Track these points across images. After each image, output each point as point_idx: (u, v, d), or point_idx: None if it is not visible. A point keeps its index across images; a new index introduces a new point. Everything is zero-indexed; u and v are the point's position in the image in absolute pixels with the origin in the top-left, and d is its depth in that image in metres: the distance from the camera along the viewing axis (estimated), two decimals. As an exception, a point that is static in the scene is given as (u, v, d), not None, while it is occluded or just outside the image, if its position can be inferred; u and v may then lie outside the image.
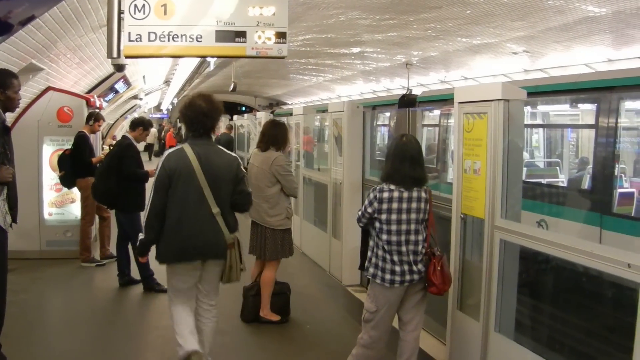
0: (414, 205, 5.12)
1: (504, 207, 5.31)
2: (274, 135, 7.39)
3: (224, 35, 7.71)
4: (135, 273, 8.64)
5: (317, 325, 7.32)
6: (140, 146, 9.41)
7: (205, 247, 5.29)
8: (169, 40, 7.40)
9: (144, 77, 22.92)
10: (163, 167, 5.22)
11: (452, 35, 14.77)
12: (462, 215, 5.81)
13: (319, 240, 10.36)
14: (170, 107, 47.36)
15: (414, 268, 5.12)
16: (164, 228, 5.22)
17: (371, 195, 5.18)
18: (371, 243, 5.27)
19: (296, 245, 9.09)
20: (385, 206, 5.08)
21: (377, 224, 5.14)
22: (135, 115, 27.97)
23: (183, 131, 27.97)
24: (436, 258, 5.18)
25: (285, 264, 8.36)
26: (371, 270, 5.21)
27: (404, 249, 5.10)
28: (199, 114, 5.39)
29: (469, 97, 5.77)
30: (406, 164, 5.12)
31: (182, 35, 7.42)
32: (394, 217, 5.08)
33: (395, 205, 5.08)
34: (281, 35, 8.73)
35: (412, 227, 5.12)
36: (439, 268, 5.15)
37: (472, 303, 5.69)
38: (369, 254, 5.28)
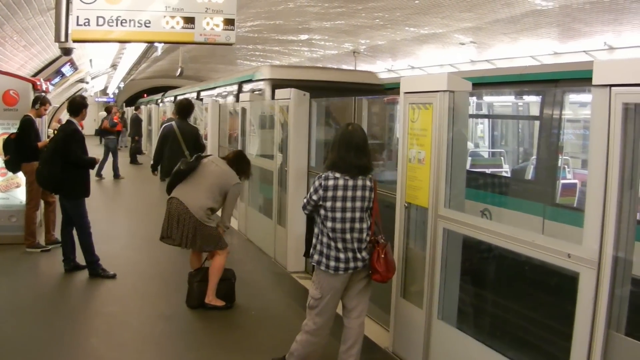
0: (358, 193, 5.13)
1: (448, 197, 5.36)
2: (245, 168, 7.57)
3: (172, 21, 7.66)
4: (80, 259, 8.53)
5: (261, 311, 7.31)
6: (90, 130, 9.35)
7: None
8: (117, 25, 7.32)
9: (90, 60, 22.63)
10: (162, 131, 10.16)
11: (400, 24, 14.84)
12: (406, 204, 5.85)
13: (264, 227, 10.34)
14: (116, 91, 46.77)
15: (358, 255, 5.14)
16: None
17: (316, 183, 5.18)
18: (316, 230, 5.28)
19: (242, 232, 9.10)
20: (330, 194, 5.08)
21: (322, 212, 5.14)
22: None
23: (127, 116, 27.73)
24: (380, 246, 5.20)
25: (231, 251, 8.34)
26: (316, 257, 5.21)
27: (348, 236, 5.11)
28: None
29: (414, 87, 5.79)
30: (351, 153, 5.12)
31: (130, 20, 7.33)
32: (338, 204, 5.08)
33: (340, 193, 5.08)
34: (229, 22, 8.68)
35: (357, 215, 5.13)
36: (382, 256, 5.17)
37: (416, 291, 5.73)
38: (314, 241, 5.28)
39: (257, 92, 13.66)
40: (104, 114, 36.50)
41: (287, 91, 9.26)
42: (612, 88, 3.56)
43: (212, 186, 7.19)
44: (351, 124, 5.45)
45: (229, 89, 17.37)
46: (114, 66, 29.41)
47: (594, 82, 3.66)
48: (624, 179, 3.57)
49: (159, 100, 29.87)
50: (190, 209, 7.04)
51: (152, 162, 11.08)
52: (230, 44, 9.08)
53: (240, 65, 27.88)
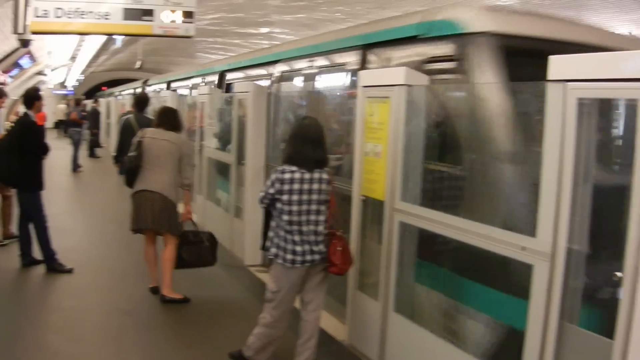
0: (315, 186, 5.12)
1: (404, 190, 5.34)
2: (176, 120, 7.57)
3: (131, 13, 7.55)
4: (38, 253, 8.39)
5: (218, 305, 7.27)
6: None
7: None
8: (76, 17, 7.21)
9: (49, 53, 22.35)
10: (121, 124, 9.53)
11: (361, 18, 14.77)
12: (362, 197, 5.83)
13: (221, 220, 10.26)
14: (76, 83, 46.23)
15: (315, 248, 5.14)
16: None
17: (273, 177, 5.16)
18: (273, 223, 5.25)
19: (199, 225, 9.02)
20: (286, 187, 5.07)
21: (278, 205, 5.12)
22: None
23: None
24: (337, 238, 5.22)
25: None
26: (273, 250, 5.20)
27: (304, 229, 5.11)
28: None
29: (372, 81, 5.77)
30: (308, 146, 5.13)
31: (89, 12, 7.23)
32: (295, 197, 5.07)
33: (296, 186, 5.07)
34: (189, 15, 8.60)
35: (313, 207, 5.13)
36: (339, 248, 5.20)
37: (372, 283, 5.72)
38: (271, 234, 5.26)
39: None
40: (63, 106, 36.19)
41: (247, 85, 9.18)
42: (567, 83, 3.56)
43: (169, 161, 7.21)
44: (307, 117, 5.49)
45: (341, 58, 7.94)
46: (73, 58, 29.05)
47: (549, 77, 3.67)
48: (577, 173, 3.58)
49: (136, 90, 26.81)
50: (163, 193, 7.12)
51: (114, 154, 11.27)
52: (190, 37, 8.98)
53: (200, 59, 27.68)
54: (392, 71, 5.58)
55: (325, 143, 5.32)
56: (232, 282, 8.29)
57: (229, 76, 12.95)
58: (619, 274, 3.31)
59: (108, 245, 9.94)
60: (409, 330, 5.30)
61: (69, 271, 8.17)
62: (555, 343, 3.74)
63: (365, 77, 5.90)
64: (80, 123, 20.54)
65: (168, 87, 19.22)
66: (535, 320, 3.86)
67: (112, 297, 7.37)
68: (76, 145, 19.96)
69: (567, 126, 3.57)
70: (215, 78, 13.77)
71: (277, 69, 9.58)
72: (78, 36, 18.05)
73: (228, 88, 12.52)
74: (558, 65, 3.67)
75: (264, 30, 18.45)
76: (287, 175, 5.09)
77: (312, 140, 5.16)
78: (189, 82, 16.66)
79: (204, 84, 14.26)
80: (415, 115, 5.34)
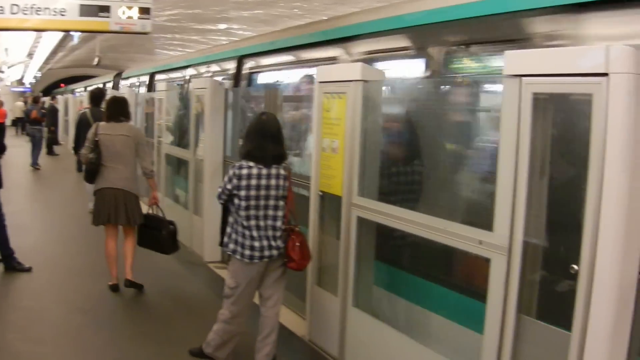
0: (272, 182, 5.09)
1: (361, 185, 5.31)
2: (125, 109, 7.63)
3: (87, 10, 7.43)
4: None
5: (178, 302, 7.19)
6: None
7: None
8: (32, 13, 7.07)
9: (6, 49, 22.04)
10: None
11: (319, 14, 14.76)
12: (320, 193, 5.79)
13: (180, 216, 10.13)
14: (33, 80, 45.64)
15: (273, 244, 5.11)
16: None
17: (230, 172, 5.12)
18: (231, 219, 5.22)
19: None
20: (244, 183, 5.03)
21: (236, 201, 5.08)
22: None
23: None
24: (295, 234, 5.20)
25: None
26: (231, 246, 5.16)
27: (262, 223, 5.09)
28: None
29: (328, 77, 5.71)
30: (266, 142, 5.10)
31: (45, 9, 7.10)
32: (252, 193, 5.03)
33: (254, 181, 5.04)
34: (145, 11, 8.51)
35: (271, 203, 5.10)
36: (297, 244, 5.18)
37: (331, 279, 5.69)
38: (228, 230, 5.22)
39: None
40: (21, 104, 35.69)
41: (204, 80, 9.10)
42: (523, 78, 3.55)
43: (128, 155, 7.30)
44: (265, 113, 5.44)
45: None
46: (30, 55, 28.68)
47: (505, 72, 3.66)
48: (533, 167, 3.57)
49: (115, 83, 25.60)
50: (126, 189, 7.24)
51: (73, 145, 12.10)
52: (146, 33, 8.87)
53: (159, 55, 27.46)
54: (348, 67, 5.55)
55: (282, 138, 5.29)
56: (191, 279, 8.22)
57: (157, 77, 15.71)
58: (575, 266, 3.31)
59: (66, 243, 9.78)
60: (368, 324, 5.27)
61: (28, 270, 8.00)
62: (513, 336, 3.73)
63: (322, 72, 5.84)
64: (40, 121, 20.33)
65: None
66: (493, 313, 3.84)
67: (71, 296, 7.24)
68: (37, 143, 19.69)
69: (523, 121, 3.56)
70: (147, 78, 16.92)
71: (188, 72, 12.32)
72: (35, 33, 17.82)
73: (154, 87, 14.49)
74: (513, 60, 3.65)
75: (222, 26, 18.35)
76: (244, 171, 5.05)
77: (270, 136, 5.13)
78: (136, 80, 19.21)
79: (138, 83, 17.19)
80: (372, 111, 5.31)
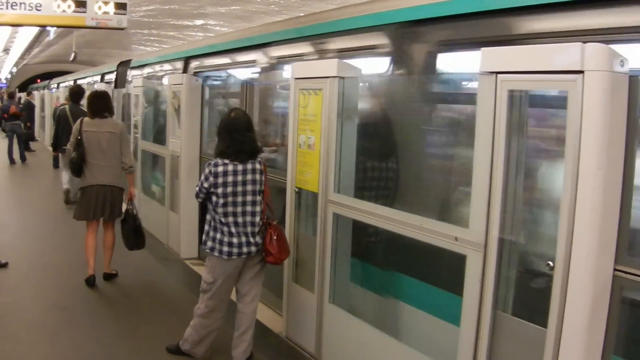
0: (249, 177, 5.08)
1: (337, 182, 5.28)
2: (108, 104, 7.70)
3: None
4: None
5: (155, 299, 7.12)
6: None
7: None
8: (7, 7, 7.00)
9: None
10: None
11: (295, 10, 14.69)
12: (296, 189, 5.76)
13: (157, 213, 10.07)
14: (9, 76, 45.20)
15: (252, 240, 5.10)
16: None
17: (206, 170, 5.10)
18: (208, 217, 5.19)
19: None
20: (220, 180, 5.01)
21: (214, 198, 5.07)
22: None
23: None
24: (272, 228, 5.19)
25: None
26: (209, 243, 5.14)
27: (240, 220, 5.07)
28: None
29: (305, 73, 5.67)
30: (238, 138, 5.09)
31: (20, 4, 7.02)
32: (229, 190, 5.02)
33: (230, 178, 5.02)
34: (121, 7, 8.43)
35: (249, 198, 5.09)
36: (275, 237, 5.17)
37: (307, 275, 5.66)
38: (206, 227, 5.20)
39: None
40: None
41: (180, 76, 9.03)
42: (498, 75, 3.53)
43: (113, 151, 7.35)
44: (234, 109, 5.44)
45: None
46: (6, 50, 28.40)
47: (481, 69, 3.64)
48: (509, 164, 3.56)
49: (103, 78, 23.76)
50: (113, 185, 7.38)
51: (52, 142, 12.29)
52: (122, 29, 8.79)
53: (136, 51, 27.29)
54: (324, 63, 5.51)
55: (254, 133, 5.29)
56: (168, 275, 8.17)
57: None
58: (551, 263, 3.30)
59: (43, 239, 9.67)
60: (345, 320, 5.25)
61: (4, 266, 7.91)
62: (490, 332, 3.71)
63: (298, 68, 5.80)
64: (19, 116, 20.18)
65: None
66: (470, 309, 3.83)
67: (48, 293, 7.17)
68: (18, 138, 19.65)
69: (499, 117, 3.54)
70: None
71: (145, 71, 12.64)
72: (10, 28, 17.64)
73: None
74: (489, 57, 3.62)
75: (198, 22, 18.21)
76: (220, 168, 5.04)
77: (242, 132, 5.11)
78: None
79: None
80: (348, 107, 5.28)
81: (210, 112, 9.05)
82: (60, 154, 11.98)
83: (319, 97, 5.37)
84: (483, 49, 3.67)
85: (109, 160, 7.33)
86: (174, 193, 9.24)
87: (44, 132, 24.34)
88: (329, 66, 5.30)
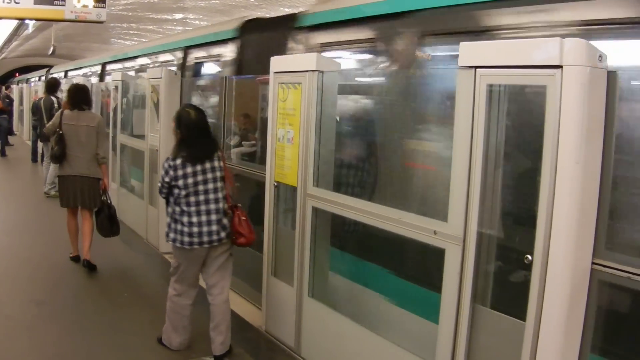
0: (207, 165, 5.17)
1: (316, 176, 5.26)
2: (87, 97, 8.06)
3: (42, -3, 7.28)
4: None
5: (134, 293, 7.04)
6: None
7: None
8: (-14, 0, 6.91)
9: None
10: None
11: (274, 4, 14.65)
12: (275, 183, 5.73)
13: (135, 207, 9.99)
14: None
15: (214, 228, 5.16)
16: None
17: (165, 165, 5.16)
18: (169, 210, 5.26)
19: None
20: (180, 172, 5.09)
21: (176, 191, 5.13)
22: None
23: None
24: (239, 209, 5.25)
25: None
26: (171, 235, 5.21)
27: (203, 208, 5.13)
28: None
29: (284, 67, 5.63)
30: (198, 141, 5.20)
31: (-1, -4, 6.93)
32: (190, 180, 5.10)
33: (189, 169, 5.10)
34: (100, 0, 8.38)
35: (210, 186, 5.16)
36: (243, 218, 5.22)
37: (286, 269, 5.64)
38: (168, 220, 5.27)
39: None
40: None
41: (159, 70, 8.96)
42: (477, 70, 3.51)
43: (90, 143, 7.66)
44: (189, 107, 5.46)
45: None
46: (-17, 44, 28.18)
47: (460, 63, 3.62)
48: (487, 158, 3.55)
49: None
50: (89, 175, 7.69)
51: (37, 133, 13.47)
52: (101, 22, 8.72)
53: (115, 45, 27.09)
54: (304, 57, 5.48)
55: (209, 131, 5.37)
56: (147, 270, 8.11)
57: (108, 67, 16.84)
58: (529, 256, 3.30)
59: (21, 233, 9.57)
60: (324, 314, 5.22)
61: None
62: (468, 325, 3.71)
63: (277, 62, 5.76)
64: (5, 110, 20.09)
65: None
66: (448, 303, 3.82)
67: (26, 288, 7.10)
68: (5, 132, 19.73)
69: (477, 112, 3.52)
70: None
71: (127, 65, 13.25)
72: (-12, 21, 17.49)
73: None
74: (468, 52, 3.61)
75: (178, 16, 18.10)
76: (178, 161, 5.12)
77: (195, 136, 5.22)
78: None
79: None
80: (327, 101, 5.26)
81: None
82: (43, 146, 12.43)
83: (298, 90, 5.33)
84: (462, 43, 3.66)
85: (86, 153, 7.62)
86: (153, 187, 9.16)
87: (23, 126, 24.15)
88: (308, 60, 5.27)
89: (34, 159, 17.21)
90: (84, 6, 7.67)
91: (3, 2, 6.81)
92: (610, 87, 3.19)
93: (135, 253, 8.45)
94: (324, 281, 5.47)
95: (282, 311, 5.67)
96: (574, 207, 3.14)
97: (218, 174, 5.21)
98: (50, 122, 8.02)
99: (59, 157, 7.62)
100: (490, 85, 3.48)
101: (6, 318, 6.17)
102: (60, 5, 7.38)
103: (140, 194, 9.95)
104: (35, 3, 7.29)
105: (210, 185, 5.14)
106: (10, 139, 22.72)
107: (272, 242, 5.82)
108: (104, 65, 17.30)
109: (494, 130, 3.53)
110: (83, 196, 7.71)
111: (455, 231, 3.75)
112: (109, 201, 7.89)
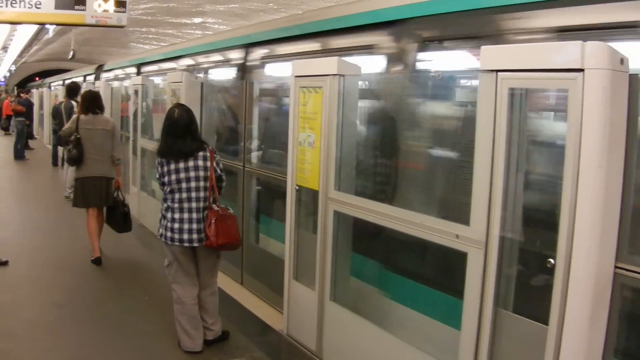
0: (190, 163, 5.27)
1: (338, 180, 5.28)
2: (100, 102, 8.44)
3: (63, 3, 7.32)
4: None
5: (154, 296, 7.06)
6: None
7: None
8: (7, 5, 6.96)
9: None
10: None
11: (294, 8, 14.65)
12: (297, 187, 5.75)
13: (156, 211, 10.02)
14: (7, 74, 45.08)
15: (194, 227, 5.30)
16: None
17: (156, 162, 5.34)
18: (162, 205, 5.44)
19: (135, 217, 8.94)
20: (165, 169, 5.25)
21: (165, 187, 5.29)
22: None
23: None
24: (213, 212, 5.28)
25: (124, 237, 8.27)
26: (160, 230, 5.41)
27: (186, 205, 5.28)
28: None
29: (305, 71, 5.65)
30: (176, 138, 5.29)
31: (20, 1, 6.99)
32: (173, 177, 5.24)
33: (172, 166, 5.23)
34: (121, 4, 8.40)
35: (192, 184, 5.29)
36: (213, 221, 5.24)
37: (308, 273, 5.66)
38: (159, 215, 5.43)
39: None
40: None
41: (179, 74, 9.01)
42: (499, 73, 3.52)
43: (106, 146, 8.11)
44: (176, 107, 5.55)
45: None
46: (4, 48, 28.32)
47: (481, 67, 3.63)
48: (509, 162, 3.56)
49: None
50: (105, 176, 8.12)
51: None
52: (122, 27, 8.76)
53: (133, 49, 27.18)
54: (325, 61, 5.50)
55: (195, 132, 5.43)
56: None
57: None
58: (552, 260, 3.31)
59: (43, 237, 9.66)
60: (346, 318, 5.24)
61: (5, 264, 7.91)
62: (491, 329, 3.72)
63: (298, 66, 5.78)
64: (21, 112, 20.32)
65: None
66: (471, 307, 3.83)
67: (47, 291, 7.14)
68: (20, 135, 19.91)
69: (499, 115, 3.54)
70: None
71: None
72: (9, 26, 17.63)
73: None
74: (489, 55, 3.62)
75: (197, 20, 18.16)
76: (163, 157, 5.29)
77: (179, 134, 5.32)
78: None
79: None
80: (349, 105, 5.27)
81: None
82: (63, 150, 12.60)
83: (319, 94, 5.36)
84: (483, 47, 3.67)
85: (102, 155, 8.07)
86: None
87: (43, 130, 24.33)
88: (329, 64, 5.29)
89: (55, 163, 17.34)
90: (105, 11, 7.71)
91: (25, 7, 6.85)
92: (632, 90, 3.19)
93: (156, 256, 8.49)
94: (345, 285, 5.48)
95: (304, 315, 5.69)
96: (597, 211, 3.14)
97: (202, 173, 5.29)
98: (66, 127, 8.37)
99: (77, 160, 7.97)
100: (512, 89, 3.49)
101: (27, 321, 6.23)
102: (81, 10, 7.42)
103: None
104: (56, 8, 7.33)
105: (193, 184, 5.26)
106: (31, 142, 22.92)
107: (293, 246, 5.83)
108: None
109: (515, 133, 3.55)
110: (99, 197, 8.09)
111: (478, 235, 3.76)
112: (122, 199, 8.27)
